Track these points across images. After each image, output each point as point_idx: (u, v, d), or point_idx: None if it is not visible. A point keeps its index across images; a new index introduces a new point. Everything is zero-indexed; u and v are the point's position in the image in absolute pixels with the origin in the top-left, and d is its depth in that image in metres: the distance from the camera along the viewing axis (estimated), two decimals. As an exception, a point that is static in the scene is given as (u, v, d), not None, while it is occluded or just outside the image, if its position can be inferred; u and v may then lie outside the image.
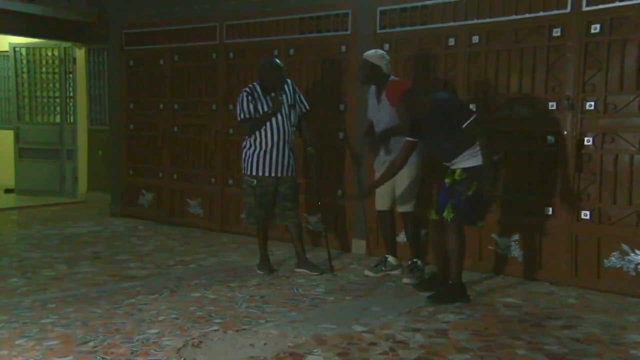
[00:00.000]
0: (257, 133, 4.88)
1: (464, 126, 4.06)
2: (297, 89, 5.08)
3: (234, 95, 5.47)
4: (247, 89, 4.96)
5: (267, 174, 4.91)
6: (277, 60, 4.99)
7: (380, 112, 4.84)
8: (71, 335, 3.50)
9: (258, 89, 4.92)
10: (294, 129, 5.01)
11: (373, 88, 4.95)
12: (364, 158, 5.30)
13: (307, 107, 5.11)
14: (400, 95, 4.25)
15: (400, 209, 4.87)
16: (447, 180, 4.32)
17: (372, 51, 4.87)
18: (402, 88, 4.33)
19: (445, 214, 4.16)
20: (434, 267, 4.63)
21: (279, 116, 4.86)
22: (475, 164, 4.12)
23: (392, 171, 4.54)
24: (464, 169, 4.18)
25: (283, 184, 4.97)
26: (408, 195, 4.81)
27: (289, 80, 5.03)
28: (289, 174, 4.99)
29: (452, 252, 4.21)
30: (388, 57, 4.84)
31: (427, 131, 4.26)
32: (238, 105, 4.92)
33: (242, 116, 4.90)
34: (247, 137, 4.97)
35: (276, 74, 4.87)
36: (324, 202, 5.39)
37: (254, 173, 4.93)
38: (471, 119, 4.07)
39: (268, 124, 4.86)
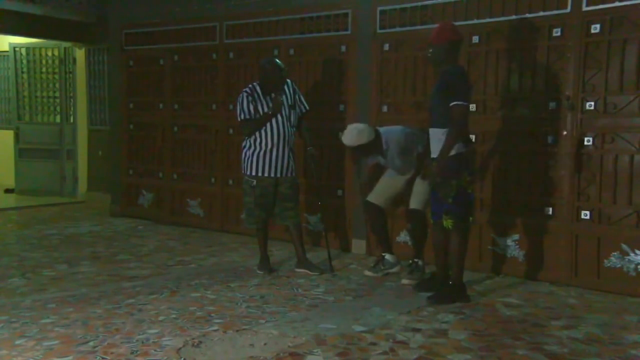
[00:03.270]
0: (257, 133, 4.88)
1: (450, 104, 4.01)
2: (297, 89, 5.07)
3: (234, 95, 5.46)
4: (247, 89, 4.95)
5: (266, 174, 4.91)
6: (278, 61, 4.99)
7: None
8: (71, 335, 3.50)
9: (258, 89, 4.92)
10: (294, 129, 5.01)
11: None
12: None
13: (307, 108, 5.10)
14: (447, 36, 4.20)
15: (413, 205, 4.75)
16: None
17: None
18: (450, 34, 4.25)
19: (445, 223, 4.17)
20: (434, 267, 4.62)
21: (279, 117, 4.86)
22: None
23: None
24: None
25: (283, 184, 4.97)
26: (424, 193, 4.64)
27: (288, 81, 5.02)
28: (289, 174, 4.98)
29: (454, 253, 4.21)
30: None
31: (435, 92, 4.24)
32: (238, 106, 4.92)
33: (242, 116, 4.90)
34: (247, 137, 4.97)
35: (276, 74, 4.87)
36: (324, 202, 5.38)
37: (253, 173, 4.93)
38: (460, 102, 4.00)
39: (268, 124, 4.85)
